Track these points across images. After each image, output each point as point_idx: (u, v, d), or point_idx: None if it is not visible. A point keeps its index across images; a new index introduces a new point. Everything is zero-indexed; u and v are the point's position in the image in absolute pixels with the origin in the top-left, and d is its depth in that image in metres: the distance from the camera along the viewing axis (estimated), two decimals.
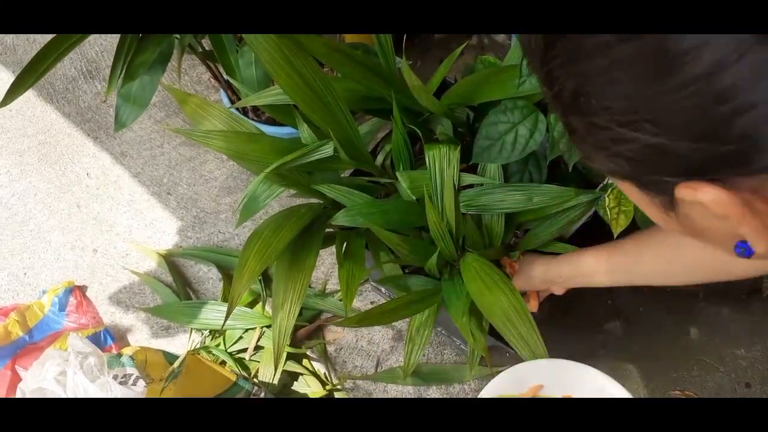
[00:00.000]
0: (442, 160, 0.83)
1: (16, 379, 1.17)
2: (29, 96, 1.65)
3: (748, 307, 1.29)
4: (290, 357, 1.22)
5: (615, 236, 0.76)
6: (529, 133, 0.74)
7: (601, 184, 0.84)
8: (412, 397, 1.20)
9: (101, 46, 1.71)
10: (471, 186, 0.87)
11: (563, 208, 0.84)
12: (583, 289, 0.91)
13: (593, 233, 0.94)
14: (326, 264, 1.35)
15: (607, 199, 0.75)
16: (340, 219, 0.82)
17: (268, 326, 1.24)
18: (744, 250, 0.34)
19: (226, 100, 1.39)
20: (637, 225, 0.82)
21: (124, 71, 0.97)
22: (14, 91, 0.84)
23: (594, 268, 0.79)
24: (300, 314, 1.26)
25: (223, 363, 1.19)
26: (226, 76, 1.06)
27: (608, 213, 0.75)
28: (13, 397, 1.11)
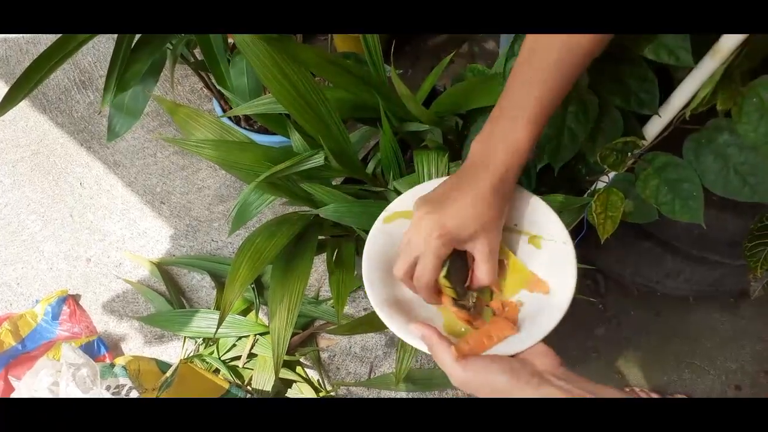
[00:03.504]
0: (431, 167, 0.84)
1: (8, 389, 1.16)
2: (22, 106, 1.65)
3: (737, 310, 1.31)
4: (284, 364, 1.22)
5: (602, 241, 0.77)
6: None
7: (589, 190, 0.85)
8: None
9: (94, 57, 1.72)
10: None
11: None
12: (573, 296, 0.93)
13: (584, 240, 0.95)
14: (319, 271, 1.35)
15: (594, 205, 0.76)
16: (329, 212, 0.83)
17: (262, 334, 1.24)
18: None
19: (218, 110, 1.39)
20: (623, 230, 0.83)
21: (108, 82, 0.97)
22: (8, 102, 0.84)
23: None
24: None
25: (216, 371, 1.19)
26: (218, 86, 1.06)
27: (595, 218, 0.77)
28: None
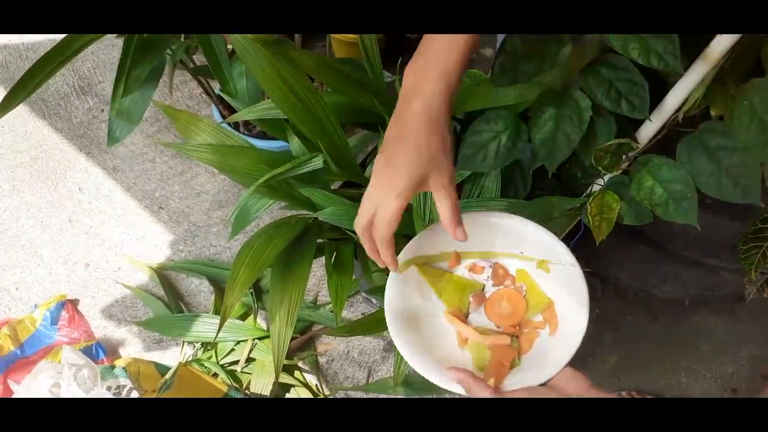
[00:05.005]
0: None
1: (8, 393, 1.16)
2: (21, 112, 1.66)
3: (733, 314, 1.32)
4: (282, 369, 1.22)
5: (597, 243, 0.78)
6: (512, 141, 0.76)
7: (585, 193, 0.86)
8: None
9: (93, 63, 1.72)
10: (458, 197, 0.89)
11: (549, 217, 0.86)
12: None
13: (581, 243, 0.96)
14: (317, 276, 1.36)
15: (589, 207, 0.77)
16: (327, 216, 0.83)
17: (260, 338, 1.24)
18: None
19: (217, 115, 1.40)
20: (620, 234, 0.84)
21: (116, 86, 0.98)
22: (7, 104, 0.85)
23: None
24: None
25: (215, 375, 1.20)
26: (218, 91, 1.07)
27: (591, 220, 0.77)
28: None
